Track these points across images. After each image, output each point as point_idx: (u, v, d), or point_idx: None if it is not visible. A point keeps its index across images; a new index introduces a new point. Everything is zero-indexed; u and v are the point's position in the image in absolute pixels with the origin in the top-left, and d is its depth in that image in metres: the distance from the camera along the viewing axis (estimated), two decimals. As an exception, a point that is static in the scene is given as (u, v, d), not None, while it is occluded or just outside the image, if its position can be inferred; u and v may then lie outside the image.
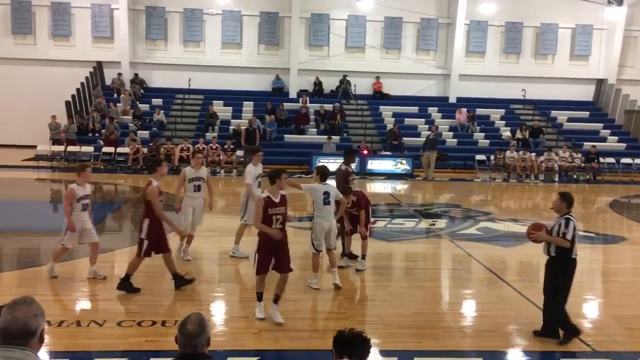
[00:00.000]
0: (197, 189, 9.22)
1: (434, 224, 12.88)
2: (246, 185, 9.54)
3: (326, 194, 7.99)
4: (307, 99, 25.96)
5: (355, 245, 9.26)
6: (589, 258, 10.92)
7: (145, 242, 7.68)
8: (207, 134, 23.11)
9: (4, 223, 12.07)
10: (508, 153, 21.77)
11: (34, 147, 22.12)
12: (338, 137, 23.79)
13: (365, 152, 21.48)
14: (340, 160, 20.31)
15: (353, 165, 9.84)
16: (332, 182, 8.46)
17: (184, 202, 9.26)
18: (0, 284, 8.13)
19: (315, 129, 24.75)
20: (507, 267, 9.71)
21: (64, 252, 8.30)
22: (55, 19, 26.37)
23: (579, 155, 22.31)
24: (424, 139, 21.80)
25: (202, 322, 3.09)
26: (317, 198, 8.03)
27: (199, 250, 10.13)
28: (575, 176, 22.03)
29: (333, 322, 6.67)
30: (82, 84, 25.27)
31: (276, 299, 6.73)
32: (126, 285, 7.63)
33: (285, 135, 24.20)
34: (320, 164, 9.11)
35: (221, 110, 25.44)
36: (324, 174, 8.20)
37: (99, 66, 26.66)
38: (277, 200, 6.74)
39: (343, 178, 9.17)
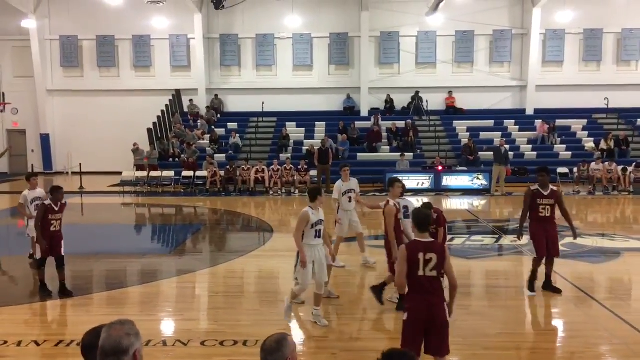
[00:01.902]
0: (318, 234, 7.31)
1: (515, 241, 12.44)
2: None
3: (405, 207, 8.13)
4: (379, 116, 25.93)
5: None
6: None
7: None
8: (281, 155, 23.51)
9: (93, 246, 12.70)
10: (593, 165, 20.80)
11: (119, 173, 23.31)
12: (411, 154, 23.57)
13: (440, 168, 21.13)
14: (415, 177, 20.45)
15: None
16: (409, 199, 8.40)
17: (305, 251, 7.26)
18: (90, 304, 8.52)
19: (388, 147, 24.64)
20: (597, 285, 9.21)
21: None
22: (137, 51, 27.82)
23: (671, 164, 20.97)
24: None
25: (281, 341, 3.10)
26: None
27: (277, 270, 10.26)
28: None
29: (413, 342, 6.52)
30: (162, 111, 26.44)
31: None
32: (400, 304, 7.59)
33: (358, 154, 24.22)
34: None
35: (294, 131, 25.85)
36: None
37: (177, 94, 27.82)
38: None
39: (532, 199, 8.49)
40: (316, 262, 7.20)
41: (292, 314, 7.48)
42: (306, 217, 7.12)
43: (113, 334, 2.69)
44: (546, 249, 8.44)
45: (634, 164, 20.87)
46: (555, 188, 8.58)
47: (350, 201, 10.20)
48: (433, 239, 5.25)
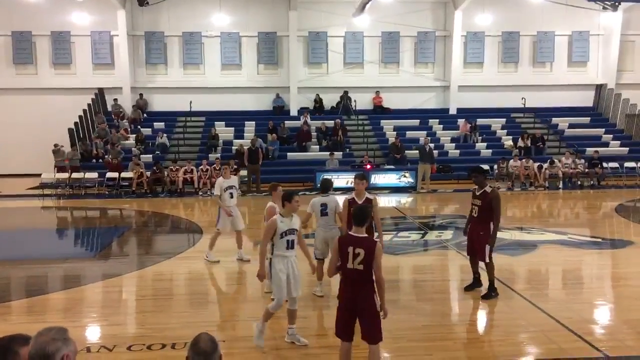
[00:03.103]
0: (291, 245, 6.54)
1: (440, 236, 12.87)
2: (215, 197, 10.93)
3: (323, 205, 8.35)
4: (308, 116, 26.09)
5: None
6: (597, 263, 10.91)
7: None
8: (210, 155, 23.21)
9: (11, 252, 12.11)
10: (511, 162, 21.80)
11: (39, 175, 22.27)
12: (340, 153, 23.87)
13: (368, 166, 21.51)
14: (344, 175, 20.73)
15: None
16: (337, 197, 8.55)
17: (273, 265, 6.54)
18: (9, 312, 8.13)
19: (318, 146, 24.83)
20: (516, 276, 9.65)
21: None
22: (56, 47, 26.69)
23: (582, 161, 22.32)
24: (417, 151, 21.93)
25: (214, 340, 3.10)
26: (316, 210, 8.39)
27: (205, 272, 10.16)
28: (579, 182, 22.00)
29: (343, 337, 6.63)
30: (84, 111, 25.49)
31: None
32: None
33: (288, 153, 24.29)
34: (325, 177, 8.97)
35: (223, 131, 25.59)
36: (324, 187, 8.57)
37: (100, 93, 26.91)
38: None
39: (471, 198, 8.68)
40: (290, 275, 6.46)
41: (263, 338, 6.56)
42: (273, 226, 6.38)
43: (39, 339, 2.71)
44: (469, 248, 8.68)
45: (549, 160, 22.04)
46: (488, 190, 8.40)
47: (232, 197, 10.75)
48: (366, 235, 5.37)
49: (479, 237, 8.39)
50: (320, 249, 8.40)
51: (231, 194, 10.73)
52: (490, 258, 8.35)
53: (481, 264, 8.55)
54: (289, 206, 6.47)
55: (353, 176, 8.47)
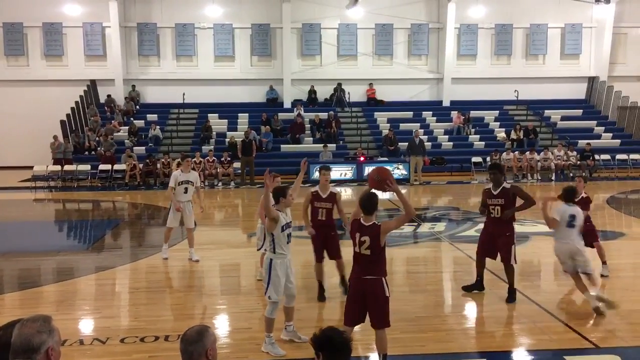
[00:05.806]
0: (290, 239, 6.40)
1: (433, 228, 12.92)
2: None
3: (572, 216, 7.74)
4: (302, 108, 26.05)
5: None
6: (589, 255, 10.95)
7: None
8: (203, 147, 23.15)
9: (3, 245, 12.06)
10: (504, 154, 21.86)
11: (31, 167, 22.16)
12: (334, 145, 23.85)
13: (362, 158, 21.52)
14: (337, 167, 20.71)
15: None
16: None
17: (273, 267, 6.25)
18: (1, 305, 8.11)
19: (311, 138, 24.81)
20: (508, 268, 9.70)
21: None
22: (48, 39, 26.48)
23: (574, 153, 22.42)
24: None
25: (202, 332, 3.10)
26: (562, 219, 7.74)
27: (200, 264, 10.15)
28: (571, 174, 22.09)
29: (336, 329, 6.66)
30: (76, 102, 25.35)
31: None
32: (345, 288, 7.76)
33: (282, 146, 24.25)
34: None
35: (217, 123, 25.51)
36: (569, 194, 7.94)
37: (92, 84, 26.75)
38: None
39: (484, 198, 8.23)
40: (290, 274, 6.31)
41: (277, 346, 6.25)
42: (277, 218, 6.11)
43: (23, 331, 2.61)
44: (484, 249, 8.12)
45: (542, 152, 22.11)
46: (507, 186, 7.93)
47: (186, 192, 10.19)
48: (372, 223, 5.44)
49: (506, 238, 7.81)
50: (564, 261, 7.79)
51: (186, 188, 10.16)
52: (515, 261, 7.84)
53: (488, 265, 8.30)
54: (284, 201, 6.23)
55: (319, 168, 8.28)
